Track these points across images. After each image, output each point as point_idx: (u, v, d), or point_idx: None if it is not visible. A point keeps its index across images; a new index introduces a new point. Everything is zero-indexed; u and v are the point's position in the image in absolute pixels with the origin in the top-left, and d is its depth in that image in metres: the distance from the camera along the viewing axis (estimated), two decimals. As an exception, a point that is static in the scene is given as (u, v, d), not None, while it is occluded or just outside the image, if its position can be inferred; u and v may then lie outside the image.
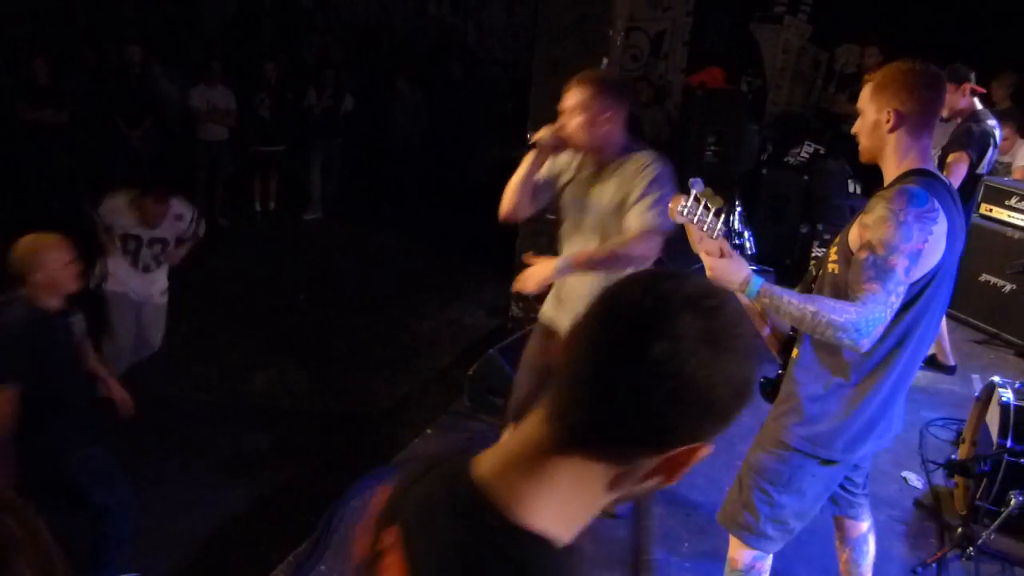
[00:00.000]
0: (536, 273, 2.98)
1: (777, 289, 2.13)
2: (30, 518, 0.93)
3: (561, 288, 3.16)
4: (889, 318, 2.07)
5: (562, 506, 0.91)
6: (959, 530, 3.53)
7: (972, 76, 4.84)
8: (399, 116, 9.48)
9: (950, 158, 4.65)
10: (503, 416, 3.49)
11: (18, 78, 7.68)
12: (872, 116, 2.30)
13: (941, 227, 2.16)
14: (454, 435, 4.35)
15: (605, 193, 2.94)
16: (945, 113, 4.83)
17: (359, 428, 4.65)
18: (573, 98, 2.91)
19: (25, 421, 2.94)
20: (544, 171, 3.12)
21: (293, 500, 3.92)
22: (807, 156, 7.29)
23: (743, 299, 2.19)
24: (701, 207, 2.12)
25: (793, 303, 2.08)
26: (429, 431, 4.40)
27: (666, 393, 0.84)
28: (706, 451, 0.91)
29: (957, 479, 3.89)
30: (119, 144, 7.66)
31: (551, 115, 4.55)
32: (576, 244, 3.07)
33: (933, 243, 2.15)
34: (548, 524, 0.90)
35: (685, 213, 2.13)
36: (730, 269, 2.15)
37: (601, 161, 2.99)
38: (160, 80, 8.08)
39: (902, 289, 2.10)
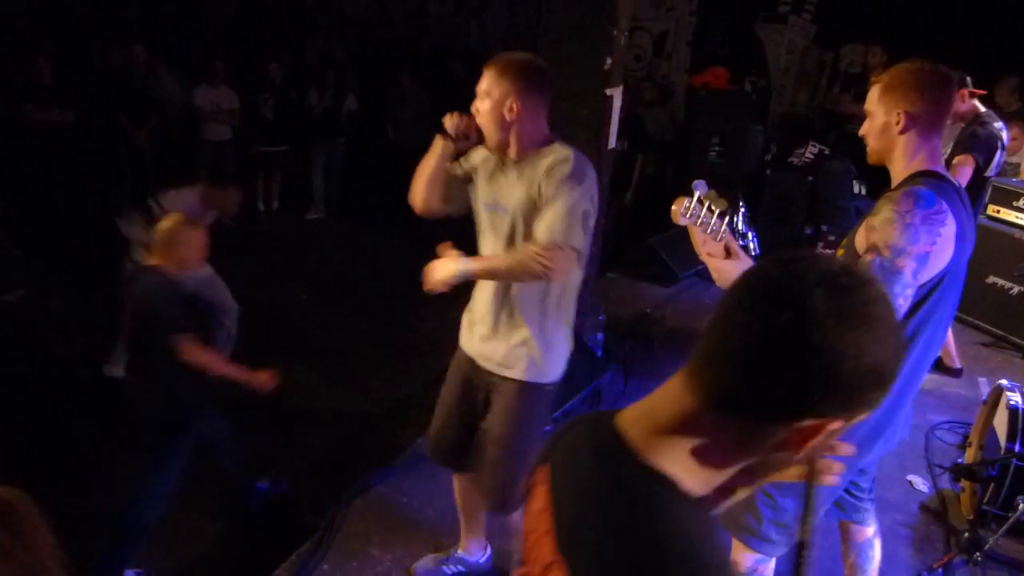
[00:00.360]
0: (439, 269, 2.64)
1: None
2: (25, 525, 0.92)
3: (472, 310, 2.88)
4: (898, 320, 2.04)
5: (691, 459, 0.97)
6: (966, 535, 3.50)
7: (968, 80, 4.83)
8: (402, 112, 9.42)
9: (955, 160, 4.64)
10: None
11: (23, 78, 7.68)
12: (881, 118, 2.27)
13: (949, 229, 2.14)
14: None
15: (514, 192, 2.60)
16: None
17: (361, 428, 4.63)
18: (481, 83, 2.60)
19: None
20: (465, 165, 2.83)
21: (295, 499, 3.90)
22: (811, 157, 7.27)
23: None
24: (704, 209, 2.10)
25: None
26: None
27: (791, 361, 0.87)
28: (836, 426, 0.93)
29: (963, 483, 3.86)
30: (123, 144, 7.67)
31: (553, 114, 4.56)
32: (487, 248, 2.75)
33: (941, 245, 2.13)
34: (676, 471, 0.97)
35: (688, 215, 2.11)
36: (737, 270, 2.12)
37: (512, 155, 2.63)
38: (164, 80, 8.08)
39: (910, 292, 2.07)
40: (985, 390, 5.05)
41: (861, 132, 2.36)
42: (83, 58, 8.50)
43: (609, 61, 4.43)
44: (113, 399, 4.77)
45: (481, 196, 2.75)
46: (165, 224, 3.41)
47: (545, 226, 2.48)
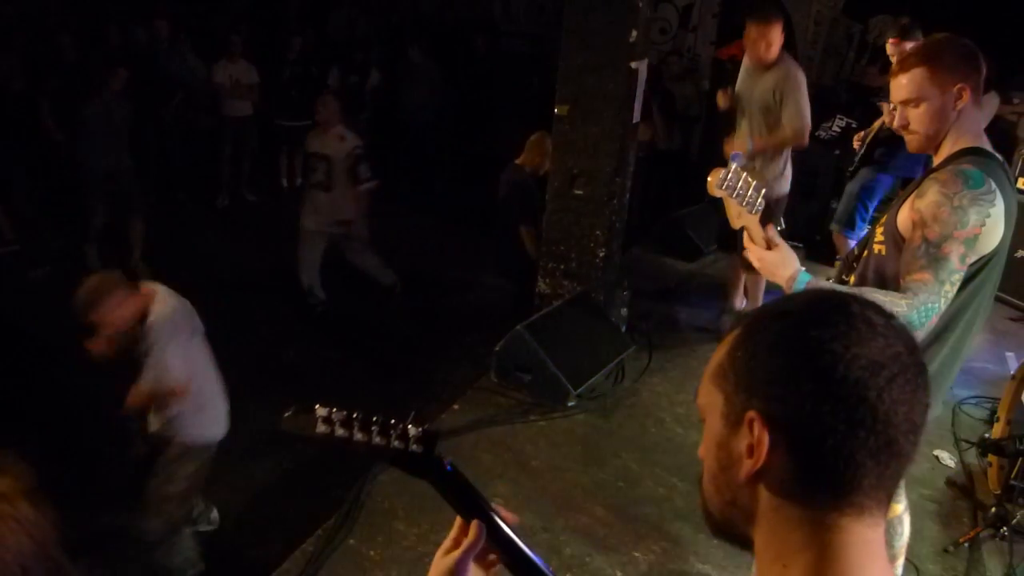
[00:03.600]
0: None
1: (825, 284, 2.08)
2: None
3: None
4: (944, 307, 2.00)
5: None
6: (992, 510, 3.49)
7: (919, 33, 4.81)
8: (410, 87, 9.31)
9: None
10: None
11: (47, 55, 7.67)
12: (938, 100, 2.15)
13: (998, 209, 2.09)
14: (481, 411, 4.36)
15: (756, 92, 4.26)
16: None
17: (386, 404, 4.66)
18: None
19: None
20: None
21: (322, 474, 3.95)
22: (839, 130, 7.15)
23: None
24: (741, 181, 2.07)
25: None
26: (456, 407, 4.41)
27: None
28: None
29: (991, 458, 3.83)
30: (149, 120, 7.69)
31: (578, 88, 4.53)
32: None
33: (990, 227, 2.08)
34: None
35: (724, 187, 2.08)
36: (778, 263, 2.10)
37: None
38: (187, 56, 8.08)
39: (957, 278, 2.03)
40: (1013, 364, 4.99)
41: (901, 124, 2.23)
42: (106, 34, 8.47)
43: (634, 34, 4.39)
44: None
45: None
46: (535, 136, 5.20)
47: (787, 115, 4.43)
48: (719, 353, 0.91)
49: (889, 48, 4.89)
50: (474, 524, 1.10)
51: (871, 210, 5.53)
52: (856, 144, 5.58)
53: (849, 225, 5.52)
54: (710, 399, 0.91)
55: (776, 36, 4.58)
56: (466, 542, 1.09)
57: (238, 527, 3.69)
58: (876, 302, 1.99)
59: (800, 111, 4.61)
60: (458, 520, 1.14)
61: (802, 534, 0.82)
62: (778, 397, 0.82)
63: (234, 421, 4.38)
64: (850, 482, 0.81)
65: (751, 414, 0.83)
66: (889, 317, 0.86)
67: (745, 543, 0.90)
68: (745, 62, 4.86)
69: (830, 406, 0.80)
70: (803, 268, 2.10)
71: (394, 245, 6.67)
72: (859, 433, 0.80)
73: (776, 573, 0.83)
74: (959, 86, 2.14)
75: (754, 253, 2.12)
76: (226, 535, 3.64)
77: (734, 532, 0.91)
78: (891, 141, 4.95)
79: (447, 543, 1.12)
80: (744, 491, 0.86)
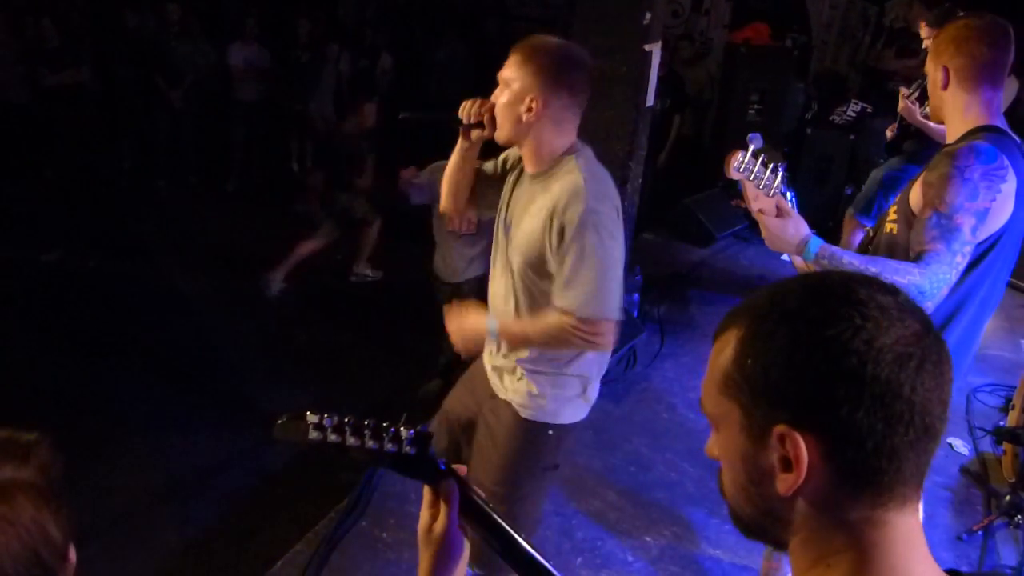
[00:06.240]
0: (470, 329, 2.37)
1: (837, 250, 2.04)
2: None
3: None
4: (955, 279, 2.00)
5: None
6: (1007, 498, 3.47)
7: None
8: (447, 71, 9.23)
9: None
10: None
11: (30, 42, 7.47)
12: (931, 75, 2.27)
13: (1010, 186, 2.09)
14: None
15: (524, 219, 2.24)
16: None
17: (397, 387, 4.67)
18: (504, 69, 2.24)
19: None
20: (499, 164, 2.47)
21: (334, 457, 3.95)
22: (853, 115, 7.09)
23: (798, 260, 2.11)
24: (759, 163, 2.03)
25: (854, 264, 2.01)
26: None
27: None
28: None
29: (1006, 446, 3.81)
30: (160, 104, 7.70)
31: (591, 73, 4.49)
32: (495, 279, 2.41)
33: (1001, 202, 2.08)
34: None
35: (742, 169, 2.03)
36: (788, 229, 2.04)
37: (529, 168, 2.29)
38: (198, 39, 8.07)
39: (968, 249, 2.02)
40: (1029, 353, 4.97)
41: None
42: (112, 18, 8.42)
43: (648, 16, 4.34)
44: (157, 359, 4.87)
45: (501, 206, 2.39)
46: None
47: (578, 296, 2.14)
48: (721, 359, 0.86)
49: (923, 32, 4.84)
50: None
51: (892, 200, 5.44)
52: (889, 133, 5.45)
53: (865, 211, 5.41)
54: (722, 410, 0.86)
55: None
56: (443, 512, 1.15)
57: (251, 508, 3.70)
58: (888, 270, 1.97)
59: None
60: (427, 492, 1.19)
61: (846, 535, 0.79)
62: (807, 407, 0.77)
63: (246, 404, 4.42)
64: (893, 476, 0.78)
65: (780, 428, 0.78)
66: (896, 294, 0.82)
67: (779, 545, 0.87)
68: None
69: (866, 409, 0.75)
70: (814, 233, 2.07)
71: (404, 232, 6.63)
72: (898, 429, 0.77)
73: (819, 574, 0.81)
74: (940, 66, 2.21)
75: (762, 221, 2.07)
76: (238, 517, 3.65)
77: (767, 536, 0.88)
78: (921, 134, 4.87)
79: (428, 522, 1.18)
80: (780, 503, 0.81)
